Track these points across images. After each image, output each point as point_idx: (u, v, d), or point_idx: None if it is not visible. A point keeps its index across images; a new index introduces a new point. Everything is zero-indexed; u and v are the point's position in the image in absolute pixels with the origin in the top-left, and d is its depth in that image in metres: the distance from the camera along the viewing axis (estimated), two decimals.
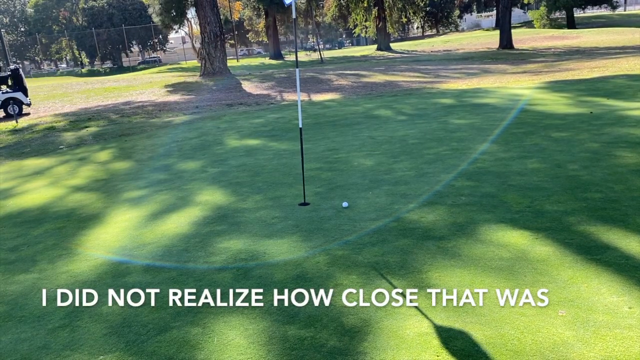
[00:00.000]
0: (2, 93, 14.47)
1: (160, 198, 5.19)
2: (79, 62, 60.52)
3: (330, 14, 53.04)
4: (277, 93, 15.60)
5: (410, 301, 2.73)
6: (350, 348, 2.36)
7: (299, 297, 2.87)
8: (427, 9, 56.35)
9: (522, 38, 34.30)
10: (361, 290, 2.88)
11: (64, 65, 70.36)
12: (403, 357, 2.26)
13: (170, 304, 2.94)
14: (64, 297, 3.16)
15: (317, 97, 13.49)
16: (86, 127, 11.33)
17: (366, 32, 43.63)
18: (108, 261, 3.67)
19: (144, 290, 3.13)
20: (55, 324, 2.84)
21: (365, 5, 39.32)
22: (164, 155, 7.53)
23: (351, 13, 42.41)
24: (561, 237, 3.35)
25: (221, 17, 25.28)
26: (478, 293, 2.74)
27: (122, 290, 3.16)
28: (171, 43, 73.50)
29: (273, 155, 6.78)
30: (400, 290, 2.85)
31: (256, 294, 2.96)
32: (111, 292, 3.16)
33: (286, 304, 2.81)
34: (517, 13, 55.06)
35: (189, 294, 3.04)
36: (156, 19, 30.56)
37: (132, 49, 63.45)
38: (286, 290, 2.96)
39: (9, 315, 3.01)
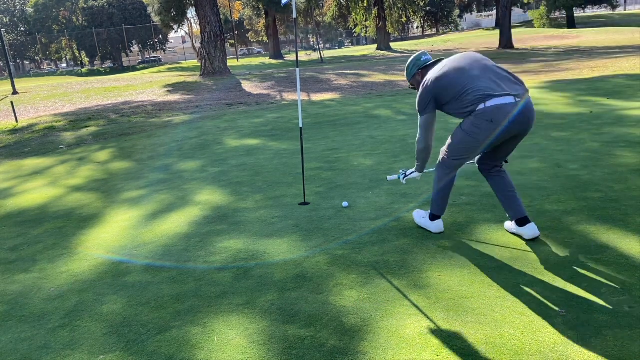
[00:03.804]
0: None
1: (160, 198, 5.20)
2: (79, 62, 60.52)
3: (330, 14, 53.02)
4: (277, 93, 15.60)
5: (410, 301, 2.73)
6: (351, 348, 2.36)
7: (299, 296, 2.87)
8: (427, 8, 56.36)
9: (522, 38, 34.32)
10: (361, 290, 2.88)
11: (64, 65, 70.37)
12: (403, 357, 2.26)
13: (170, 303, 2.94)
14: (64, 296, 3.16)
15: (317, 97, 13.49)
16: (86, 126, 11.33)
17: (366, 31, 43.63)
18: (108, 261, 3.67)
19: (144, 290, 3.13)
20: (56, 323, 2.84)
21: (365, 4, 39.32)
22: (163, 155, 7.53)
23: (351, 13, 42.42)
24: (561, 237, 3.35)
25: (221, 16, 25.27)
26: (478, 293, 2.74)
27: (122, 290, 3.16)
28: (171, 43, 73.53)
29: (273, 154, 6.78)
30: (400, 290, 2.85)
31: (256, 293, 2.96)
32: (111, 291, 3.16)
33: (286, 303, 2.81)
34: (517, 13, 55.07)
35: (189, 293, 3.04)
36: (156, 19, 30.54)
37: (132, 48, 63.45)
38: (286, 290, 2.96)
39: (9, 314, 3.01)
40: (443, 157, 3.37)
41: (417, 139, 3.35)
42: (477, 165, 3.45)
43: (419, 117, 3.29)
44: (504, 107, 2.98)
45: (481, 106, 3.00)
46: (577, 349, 2.21)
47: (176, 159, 7.14)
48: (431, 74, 3.22)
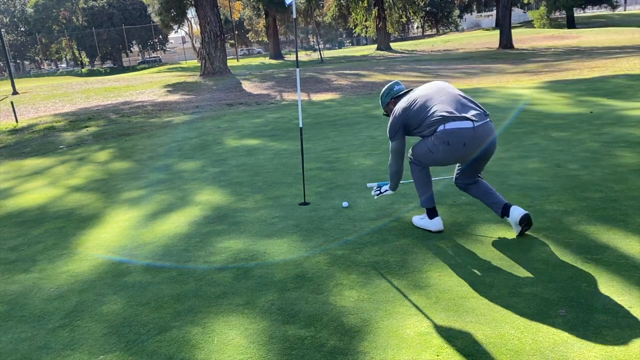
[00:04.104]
0: None
1: (160, 198, 5.20)
2: (79, 62, 60.51)
3: (330, 14, 53.00)
4: (277, 93, 15.60)
5: (410, 301, 2.73)
6: (351, 348, 2.36)
7: (299, 296, 2.87)
8: (427, 8, 56.37)
9: (522, 38, 34.32)
10: (361, 290, 2.88)
11: (64, 65, 70.39)
12: (403, 357, 2.26)
13: (171, 303, 2.94)
14: (64, 296, 3.16)
15: (317, 97, 13.50)
16: (86, 127, 11.33)
17: (366, 32, 43.62)
18: (108, 261, 3.67)
19: (144, 290, 3.13)
20: (56, 323, 2.84)
21: (365, 5, 39.32)
22: (163, 155, 7.53)
23: (351, 13, 42.41)
24: (561, 237, 3.35)
25: (221, 16, 25.27)
26: (478, 293, 2.75)
27: (122, 290, 3.16)
28: (171, 43, 73.54)
29: (273, 155, 6.78)
30: (400, 290, 2.85)
31: (256, 293, 2.96)
32: (111, 291, 3.16)
33: (286, 303, 2.81)
34: (517, 13, 55.11)
35: (189, 293, 3.04)
36: (156, 19, 30.53)
37: (132, 48, 63.44)
38: (286, 290, 2.96)
39: (9, 315, 3.01)
40: (410, 158, 3.61)
41: (389, 162, 3.69)
42: (453, 182, 3.68)
43: (390, 143, 3.59)
44: (461, 131, 3.24)
45: (441, 127, 3.28)
46: (577, 349, 2.21)
47: (176, 159, 7.14)
48: (400, 104, 3.52)
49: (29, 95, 20.48)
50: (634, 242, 3.17)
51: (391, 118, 3.56)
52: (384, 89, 3.80)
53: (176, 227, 4.25)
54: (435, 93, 3.43)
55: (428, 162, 3.50)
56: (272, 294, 2.93)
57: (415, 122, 3.41)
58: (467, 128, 3.23)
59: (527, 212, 3.35)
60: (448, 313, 2.58)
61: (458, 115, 3.25)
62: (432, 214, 3.61)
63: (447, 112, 3.28)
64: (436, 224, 3.59)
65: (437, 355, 2.25)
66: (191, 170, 6.36)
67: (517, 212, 3.34)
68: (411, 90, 3.65)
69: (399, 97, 3.66)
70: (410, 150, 3.60)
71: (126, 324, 2.76)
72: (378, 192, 3.91)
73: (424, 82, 3.78)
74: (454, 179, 3.68)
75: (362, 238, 3.63)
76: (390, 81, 3.99)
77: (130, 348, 2.53)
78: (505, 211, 3.41)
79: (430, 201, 3.61)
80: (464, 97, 3.42)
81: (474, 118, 3.24)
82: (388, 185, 3.83)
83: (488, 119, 3.33)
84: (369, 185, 4.14)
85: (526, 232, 3.44)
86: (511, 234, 3.46)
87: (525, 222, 3.34)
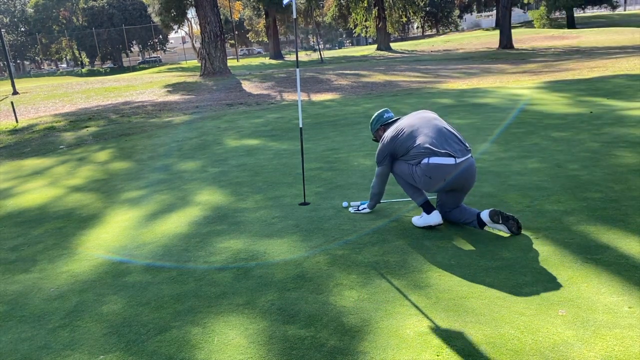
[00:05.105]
0: None
1: (160, 198, 5.20)
2: (79, 62, 60.52)
3: (330, 14, 53.02)
4: (277, 93, 15.60)
5: (410, 301, 2.73)
6: (351, 348, 2.36)
7: (299, 296, 2.87)
8: (427, 8, 56.38)
9: (522, 38, 34.33)
10: (361, 290, 2.88)
11: (64, 65, 70.42)
12: (403, 357, 2.26)
13: (171, 303, 2.94)
14: (64, 296, 3.16)
15: (317, 97, 13.50)
16: (86, 127, 11.33)
17: (366, 32, 43.63)
18: (108, 261, 3.67)
19: (144, 290, 3.13)
20: (56, 323, 2.84)
21: (365, 5, 39.34)
22: (163, 155, 7.53)
23: (351, 13, 42.43)
24: (561, 237, 3.35)
25: (221, 16, 25.27)
26: (478, 293, 2.75)
27: (122, 290, 3.16)
28: (171, 43, 73.57)
29: (273, 155, 6.78)
30: (400, 290, 2.85)
31: (256, 293, 2.96)
32: (111, 291, 3.17)
33: (286, 303, 2.81)
34: (517, 13, 55.12)
35: (189, 293, 3.04)
36: (156, 19, 30.58)
37: (132, 48, 63.45)
38: (286, 290, 2.96)
39: (9, 315, 3.01)
40: (394, 171, 3.78)
41: (372, 184, 3.98)
42: (437, 209, 3.76)
43: (377, 167, 3.84)
44: (443, 167, 3.43)
45: (425, 160, 3.48)
46: (577, 349, 2.21)
47: (176, 159, 7.14)
48: (388, 133, 3.74)
49: (29, 96, 20.49)
50: (634, 242, 3.17)
51: (380, 144, 3.78)
52: (374, 116, 4.00)
53: (176, 227, 4.25)
54: (422, 124, 3.62)
55: (409, 181, 3.65)
56: (272, 294, 2.93)
57: (402, 150, 3.63)
58: (448, 164, 3.42)
59: (489, 209, 3.44)
60: (448, 313, 2.58)
61: (441, 151, 3.44)
62: (428, 208, 3.66)
63: (432, 145, 3.47)
64: (434, 217, 3.62)
65: (437, 355, 2.25)
66: (191, 170, 6.36)
67: (485, 215, 3.44)
68: (399, 118, 3.85)
69: (388, 125, 3.88)
70: (393, 166, 3.76)
71: (126, 324, 2.76)
72: (356, 209, 4.17)
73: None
74: (437, 209, 3.76)
75: (362, 238, 3.64)
76: (381, 108, 4.14)
77: (130, 348, 2.53)
78: (480, 222, 3.50)
79: (421, 198, 3.70)
80: (449, 131, 3.60)
81: (456, 154, 3.44)
82: (367, 204, 4.12)
83: (469, 155, 3.54)
84: (352, 203, 4.32)
85: (525, 232, 3.44)
86: (508, 235, 3.45)
87: (499, 217, 3.38)
